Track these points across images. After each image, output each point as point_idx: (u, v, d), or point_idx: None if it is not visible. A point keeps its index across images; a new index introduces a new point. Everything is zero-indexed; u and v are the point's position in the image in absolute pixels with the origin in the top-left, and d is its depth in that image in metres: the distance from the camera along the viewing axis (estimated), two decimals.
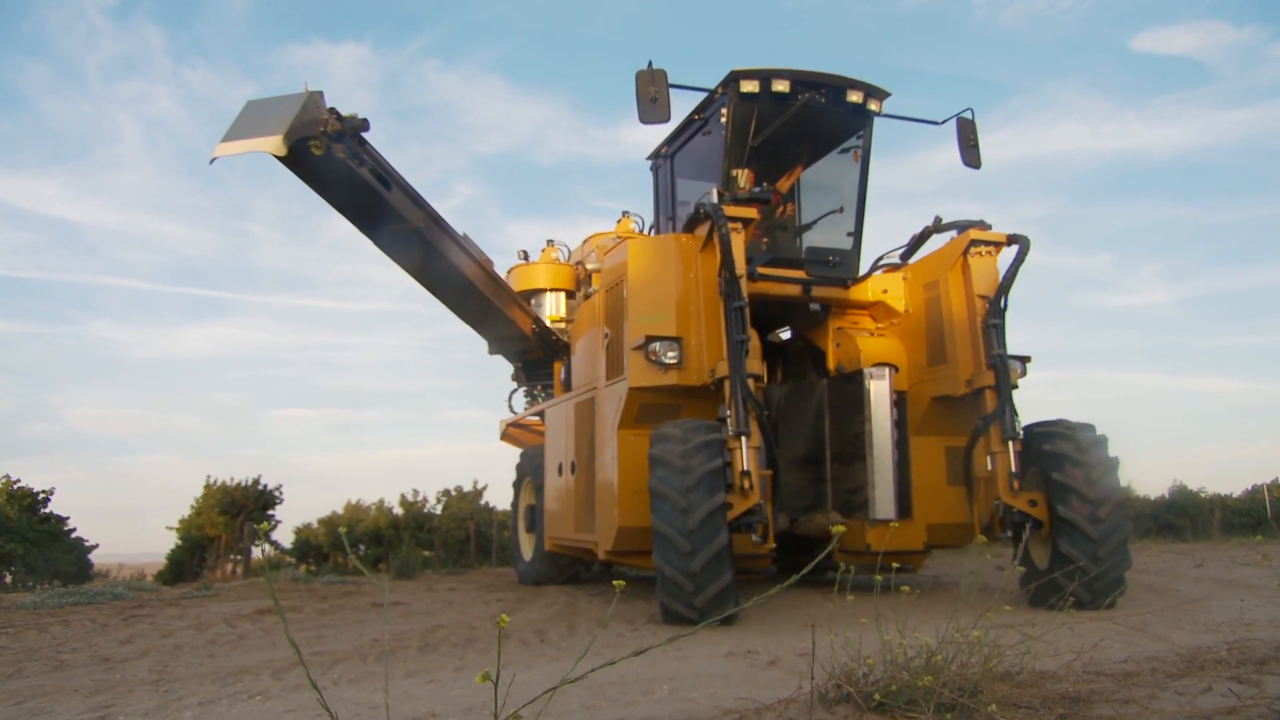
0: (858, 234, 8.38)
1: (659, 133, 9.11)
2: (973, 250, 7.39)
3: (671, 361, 6.77)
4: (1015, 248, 7.31)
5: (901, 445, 7.59)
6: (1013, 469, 6.59)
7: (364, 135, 6.89)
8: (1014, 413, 6.76)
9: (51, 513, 14.81)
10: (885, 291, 8.14)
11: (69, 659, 5.42)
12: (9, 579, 13.43)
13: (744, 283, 6.53)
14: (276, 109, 6.30)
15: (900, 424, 7.64)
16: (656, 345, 6.79)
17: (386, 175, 7.29)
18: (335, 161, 6.70)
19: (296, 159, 6.56)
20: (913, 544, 7.51)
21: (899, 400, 7.66)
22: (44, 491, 14.79)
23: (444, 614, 7.30)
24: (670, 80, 6.97)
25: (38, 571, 13.33)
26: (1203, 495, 18.74)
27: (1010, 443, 6.65)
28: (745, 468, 6.08)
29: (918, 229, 8.21)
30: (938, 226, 7.87)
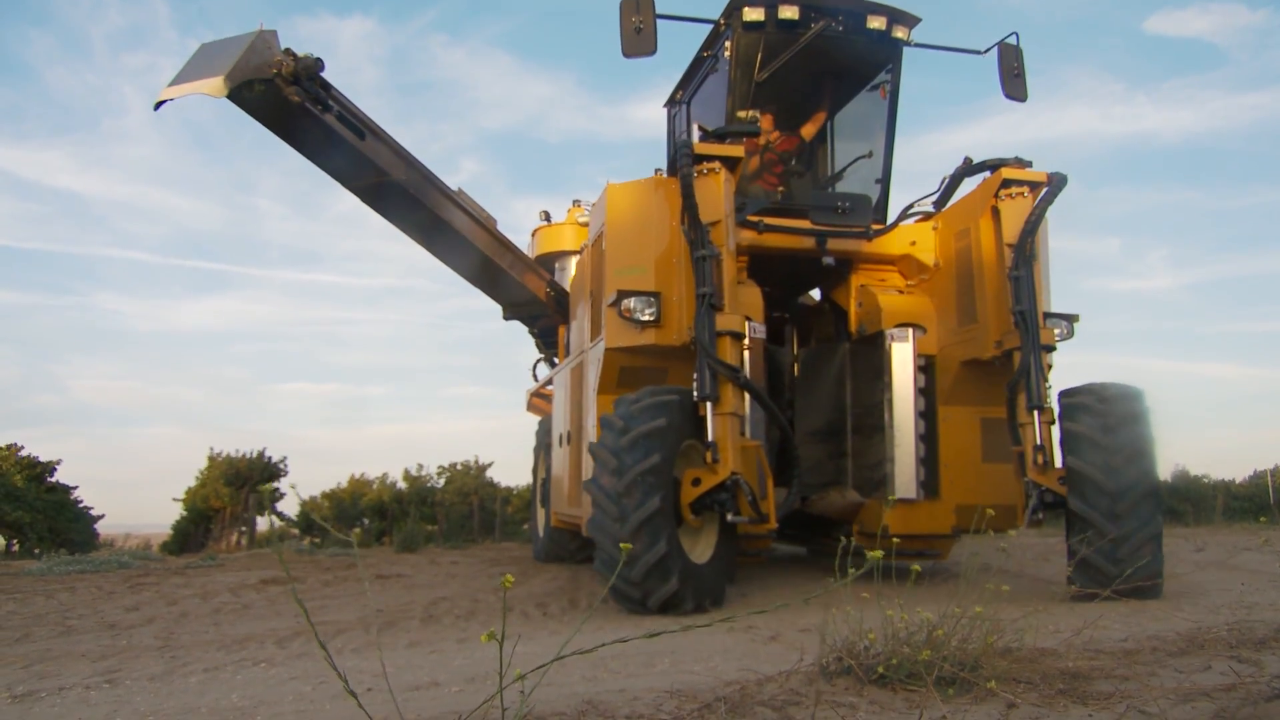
0: (885, 180, 7.59)
1: (663, 83, 8.59)
2: (1004, 192, 6.48)
3: (648, 319, 6.11)
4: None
5: (929, 416, 6.81)
6: (1037, 442, 5.83)
7: (327, 79, 6.44)
8: (1041, 378, 5.88)
9: (58, 482, 14.90)
10: (913, 244, 7.27)
11: (76, 625, 5.47)
12: (16, 546, 13.54)
13: (723, 230, 5.87)
14: (226, 50, 5.94)
15: (928, 392, 6.85)
16: (631, 301, 6.13)
17: (358, 122, 6.84)
18: (292, 106, 6.26)
19: (257, 104, 6.18)
20: (938, 527, 6.72)
21: (927, 365, 6.90)
22: (51, 461, 14.86)
23: (447, 587, 7.35)
24: (663, 11, 6.29)
25: (44, 539, 13.43)
26: (1205, 480, 18.75)
27: (1037, 413, 5.86)
28: (711, 438, 5.49)
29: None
30: (969, 167, 6.99)
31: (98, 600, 6.61)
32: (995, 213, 6.51)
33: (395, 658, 4.08)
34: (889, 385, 6.73)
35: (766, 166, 7.72)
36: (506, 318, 10.46)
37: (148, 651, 4.49)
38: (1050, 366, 6.31)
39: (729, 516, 5.48)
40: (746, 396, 5.87)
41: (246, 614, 5.93)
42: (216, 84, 5.59)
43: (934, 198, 7.29)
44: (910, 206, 7.37)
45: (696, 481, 5.48)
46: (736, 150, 6.21)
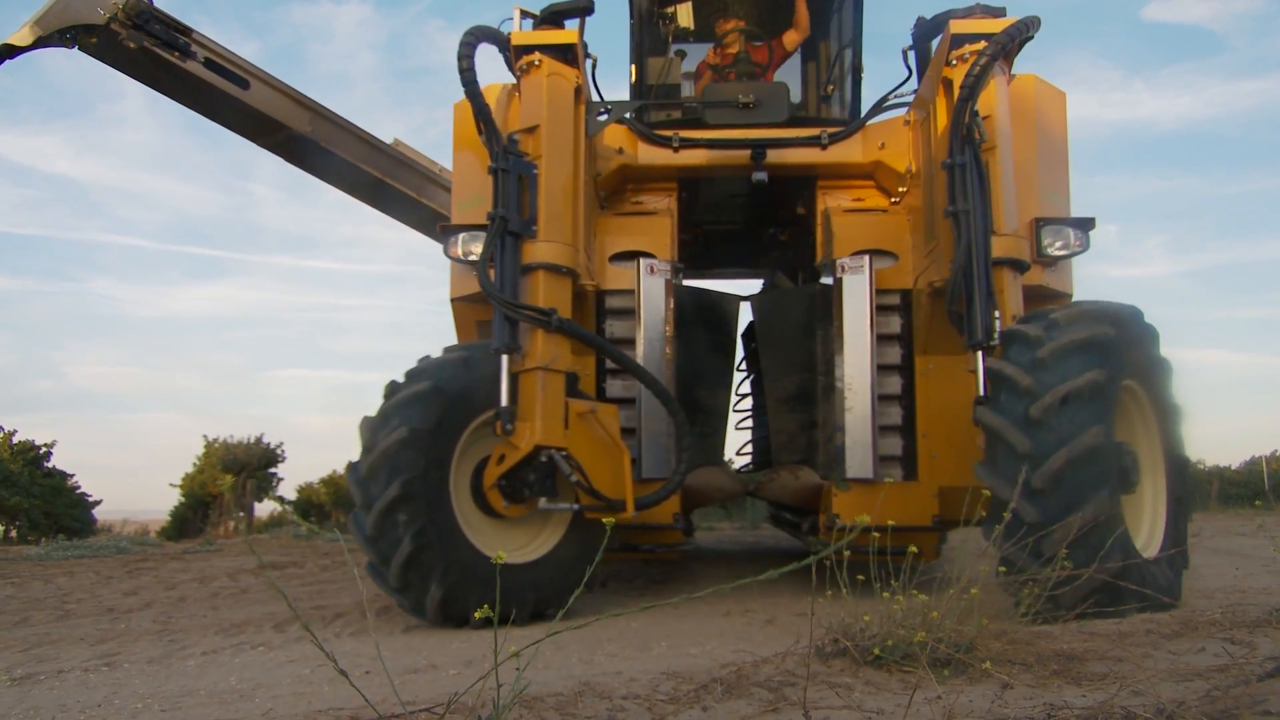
0: (855, 74, 6.11)
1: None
2: (954, 54, 4.67)
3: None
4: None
5: (905, 371, 5.21)
6: (980, 392, 4.13)
7: (189, 26, 5.94)
8: (988, 304, 4.19)
9: (54, 467, 14.91)
10: (882, 147, 5.60)
11: (74, 609, 5.49)
12: (14, 532, 13.56)
13: (542, 138, 4.63)
14: None
15: (904, 339, 5.25)
16: (460, 238, 4.96)
17: (238, 70, 6.26)
18: (135, 54, 5.72)
19: (115, 56, 5.73)
20: (915, 517, 4.97)
21: (902, 305, 5.27)
22: (46, 445, 14.87)
23: None
24: None
25: (41, 525, 13.46)
26: (1201, 466, 18.82)
27: (981, 353, 4.18)
28: (505, 401, 4.31)
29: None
30: (923, 26, 5.37)
31: (96, 585, 6.63)
32: (947, 85, 4.76)
33: (393, 642, 4.09)
34: (838, 330, 5.14)
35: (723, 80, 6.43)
36: None
37: (146, 635, 4.50)
38: (1069, 296, 5.02)
39: (541, 503, 4.41)
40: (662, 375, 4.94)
41: (244, 598, 5.95)
42: (24, 33, 5.18)
43: (912, 83, 5.66)
44: (883, 100, 5.76)
45: (502, 459, 4.41)
46: (567, 36, 4.86)
